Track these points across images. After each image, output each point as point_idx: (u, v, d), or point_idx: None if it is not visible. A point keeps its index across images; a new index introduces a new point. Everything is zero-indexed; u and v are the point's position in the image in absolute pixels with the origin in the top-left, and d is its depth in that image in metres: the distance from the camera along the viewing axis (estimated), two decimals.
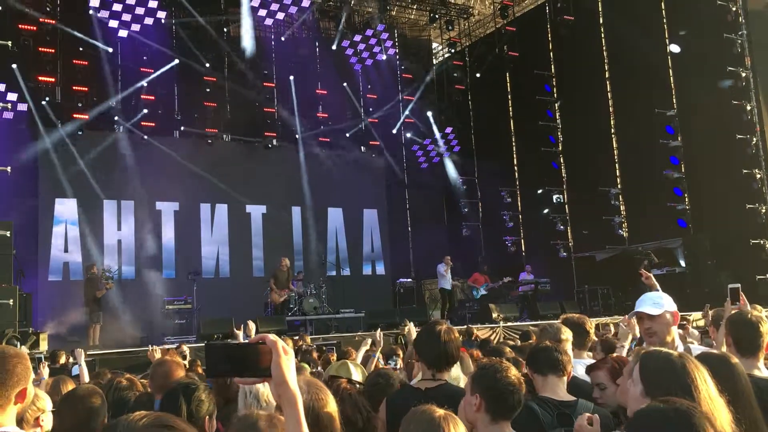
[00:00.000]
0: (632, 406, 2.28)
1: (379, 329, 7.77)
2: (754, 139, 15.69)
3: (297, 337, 11.77)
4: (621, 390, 2.63)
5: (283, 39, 20.58)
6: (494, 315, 15.76)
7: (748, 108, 15.75)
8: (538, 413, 3.04)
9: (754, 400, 2.61)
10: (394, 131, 22.83)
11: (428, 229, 22.18)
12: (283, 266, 16.71)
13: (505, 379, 2.84)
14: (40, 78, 16.51)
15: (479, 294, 17.95)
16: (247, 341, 1.72)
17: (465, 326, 12.59)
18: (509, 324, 14.81)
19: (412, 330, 5.92)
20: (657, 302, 3.61)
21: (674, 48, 16.52)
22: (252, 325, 6.69)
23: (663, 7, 17.60)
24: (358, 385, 3.19)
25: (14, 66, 16.07)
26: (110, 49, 17.65)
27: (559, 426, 2.97)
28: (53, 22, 16.78)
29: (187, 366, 7.29)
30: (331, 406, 2.42)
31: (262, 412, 2.06)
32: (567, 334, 4.20)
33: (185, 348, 9.38)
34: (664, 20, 17.55)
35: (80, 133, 17.30)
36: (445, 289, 17.49)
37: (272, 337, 1.69)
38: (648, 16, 17.62)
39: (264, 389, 3.01)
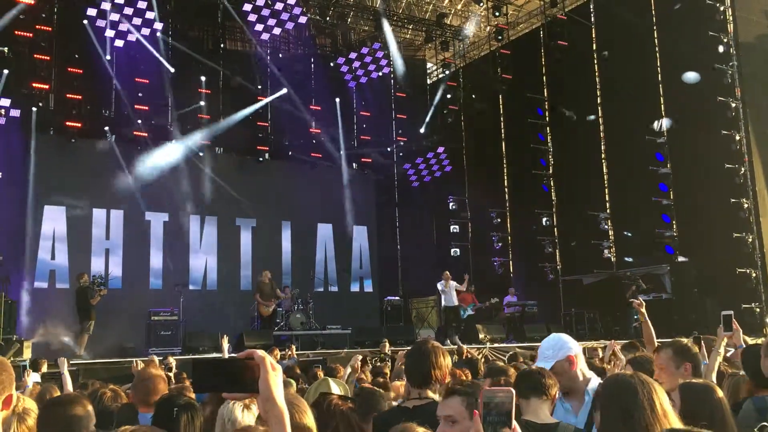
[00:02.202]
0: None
1: (359, 357, 7.83)
2: (742, 168, 15.86)
3: (285, 350, 11.77)
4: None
5: (280, 56, 20.65)
6: (481, 336, 15.76)
7: (737, 138, 15.92)
8: None
9: (733, 427, 2.65)
10: (387, 149, 22.92)
11: (417, 247, 22.21)
12: (265, 278, 16.66)
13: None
14: (34, 84, 16.47)
15: (465, 314, 17.79)
16: (235, 356, 1.73)
17: (455, 346, 12.57)
18: (496, 345, 14.81)
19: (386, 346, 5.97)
20: (546, 354, 3.52)
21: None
22: (225, 340, 6.70)
23: (656, 35, 17.82)
24: (349, 402, 3.17)
25: (5, 71, 16.03)
26: (108, 57, 17.68)
27: None
28: (49, 29, 16.79)
29: (173, 379, 7.26)
30: (308, 418, 2.40)
31: (261, 428, 2.06)
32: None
33: (171, 360, 9.33)
34: (657, 49, 17.76)
35: (73, 141, 17.26)
36: (449, 306, 16.41)
37: (260, 352, 1.70)
38: (641, 45, 17.84)
39: (240, 415, 2.98)
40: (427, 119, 22.87)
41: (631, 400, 2.22)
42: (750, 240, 15.62)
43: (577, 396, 3.50)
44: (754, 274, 15.48)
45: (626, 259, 18.08)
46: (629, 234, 17.99)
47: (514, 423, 1.62)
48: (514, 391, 1.63)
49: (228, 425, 3.01)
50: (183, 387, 4.75)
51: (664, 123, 17.19)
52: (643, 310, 5.63)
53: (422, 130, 22.73)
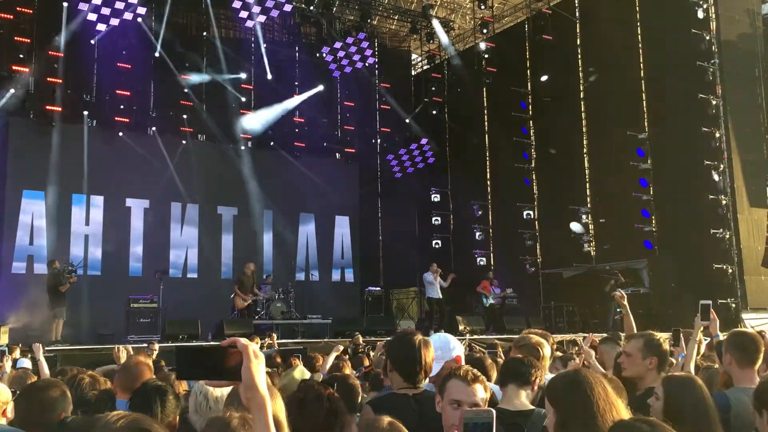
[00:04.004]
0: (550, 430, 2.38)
1: (340, 347, 7.90)
2: (721, 165, 16.04)
3: (266, 338, 11.76)
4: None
5: (265, 46, 20.57)
6: (461, 327, 15.84)
7: (717, 135, 16.09)
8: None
9: (716, 417, 2.72)
10: (371, 140, 22.91)
11: (399, 239, 22.25)
12: (248, 271, 16.60)
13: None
14: (13, 67, 16.26)
15: (488, 302, 17.62)
16: (218, 344, 1.74)
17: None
18: (476, 337, 14.90)
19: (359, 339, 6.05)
20: (436, 356, 3.43)
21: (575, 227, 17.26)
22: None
23: (639, 32, 17.94)
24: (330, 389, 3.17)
25: None
26: (93, 42, 17.49)
27: None
28: (30, 11, 16.56)
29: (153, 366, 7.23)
30: (278, 403, 2.41)
31: (235, 413, 2.07)
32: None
33: (156, 346, 9.32)
34: (640, 45, 17.89)
35: (53, 125, 17.07)
36: (433, 298, 16.63)
37: (243, 341, 1.72)
38: (624, 41, 17.95)
39: (212, 389, 3.00)
40: (412, 111, 22.88)
41: (582, 394, 2.28)
42: (727, 236, 15.82)
43: None
44: (730, 270, 15.69)
45: (604, 247, 18.21)
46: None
47: None
48: (494, 411, 1.65)
49: (200, 398, 3.04)
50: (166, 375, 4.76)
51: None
52: (625, 302, 5.73)
53: (406, 122, 22.74)
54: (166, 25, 18.51)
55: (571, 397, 2.30)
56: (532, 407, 3.27)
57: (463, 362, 3.51)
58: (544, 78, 19.84)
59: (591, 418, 2.23)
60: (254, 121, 19.82)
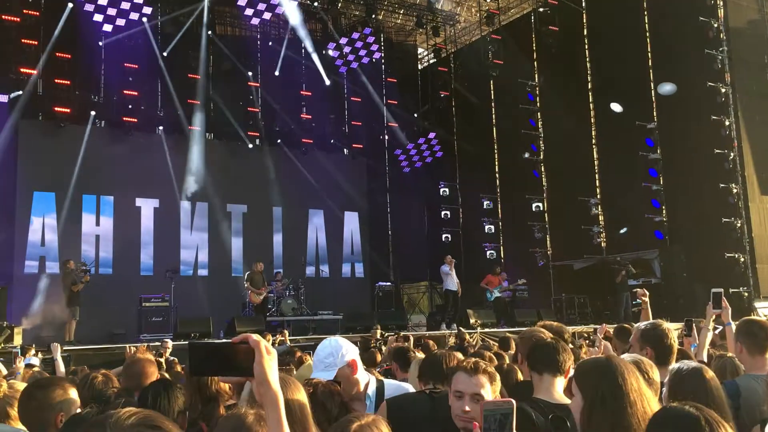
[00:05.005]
0: (576, 416, 2.36)
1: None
2: (732, 154, 15.94)
3: (277, 335, 11.80)
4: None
5: (270, 44, 20.56)
6: (472, 321, 15.83)
7: (727, 123, 15.99)
8: (531, 416, 3.00)
9: (724, 406, 2.69)
10: (378, 135, 22.89)
11: (408, 233, 22.24)
12: (257, 270, 16.63)
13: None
14: (21, 69, 16.34)
15: (493, 296, 17.57)
16: (230, 341, 1.75)
17: (456, 330, 12.63)
18: (486, 330, 14.90)
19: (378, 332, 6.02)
20: (328, 362, 3.27)
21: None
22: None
23: (646, 21, 17.83)
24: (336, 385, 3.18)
25: None
26: (101, 43, 17.55)
27: (553, 429, 2.96)
28: (37, 14, 16.63)
29: (164, 364, 7.28)
30: (301, 394, 2.40)
31: (251, 410, 2.08)
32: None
33: (169, 344, 9.36)
34: (647, 34, 17.77)
35: (62, 125, 17.15)
36: (450, 290, 16.72)
37: (255, 337, 1.72)
38: (631, 31, 17.83)
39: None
40: (419, 105, 22.84)
41: (613, 382, 2.25)
42: (738, 225, 15.73)
43: (358, 402, 3.30)
44: (742, 259, 15.61)
45: (621, 232, 18.03)
46: (623, 231, 18.03)
47: None
48: (514, 402, 1.64)
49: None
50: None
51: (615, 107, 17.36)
52: (646, 299, 5.73)
53: (414, 116, 22.70)
54: (171, 24, 18.54)
55: (601, 383, 2.26)
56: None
57: (358, 367, 3.31)
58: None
59: (620, 408, 2.20)
60: None
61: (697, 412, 1.88)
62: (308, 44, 21.08)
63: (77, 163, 17.40)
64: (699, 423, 1.83)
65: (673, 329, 3.92)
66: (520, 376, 4.35)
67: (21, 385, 3.64)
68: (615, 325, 7.42)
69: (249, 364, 1.69)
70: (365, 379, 3.39)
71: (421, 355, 5.64)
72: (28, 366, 7.27)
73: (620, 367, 2.30)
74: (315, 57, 21.13)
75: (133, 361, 4.43)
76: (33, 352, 9.88)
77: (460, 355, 3.91)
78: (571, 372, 3.35)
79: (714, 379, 2.90)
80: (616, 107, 17.29)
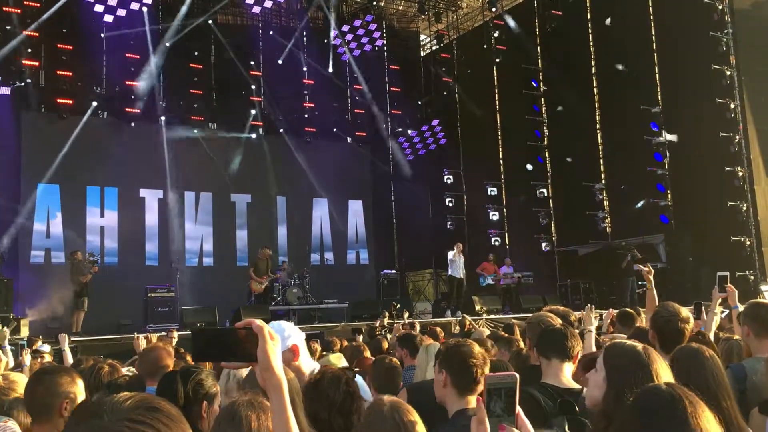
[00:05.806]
0: (592, 392, 2.34)
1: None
2: (737, 137, 15.84)
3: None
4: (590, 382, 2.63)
5: (271, 33, 20.47)
6: (477, 307, 15.84)
7: (732, 106, 15.89)
8: (539, 400, 3.01)
9: (727, 389, 2.68)
10: (382, 123, 22.82)
11: (413, 221, 22.22)
12: (263, 256, 16.65)
13: (468, 354, 2.89)
14: (23, 61, 16.31)
15: (485, 282, 17.78)
16: (233, 326, 1.73)
17: (460, 316, 12.65)
18: (492, 316, 14.89)
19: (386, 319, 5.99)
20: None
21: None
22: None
23: (650, 4, 17.67)
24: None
25: None
26: (103, 35, 17.49)
27: (561, 414, 2.90)
28: (38, 5, 16.57)
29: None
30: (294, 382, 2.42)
31: (244, 396, 2.07)
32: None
33: (175, 334, 9.39)
34: (651, 17, 17.63)
35: (64, 117, 17.14)
36: (455, 277, 17.01)
37: (258, 322, 1.71)
38: (635, 13, 17.70)
39: (241, 372, 3.03)
40: (422, 92, 22.74)
41: (645, 371, 2.23)
42: (744, 208, 15.65)
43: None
44: (748, 242, 15.56)
45: (637, 206, 17.86)
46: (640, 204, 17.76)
47: (518, 408, 1.61)
48: (517, 376, 1.62)
49: (232, 381, 3.09)
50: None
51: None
52: (651, 277, 5.72)
53: (417, 103, 22.61)
54: (172, 13, 18.47)
55: (633, 372, 2.23)
56: (579, 386, 3.17)
57: (300, 351, 3.23)
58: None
59: None
60: None
61: (671, 389, 1.84)
62: (310, 32, 20.99)
63: (80, 154, 17.38)
64: (673, 403, 1.80)
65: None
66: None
67: (17, 376, 3.65)
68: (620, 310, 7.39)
69: (252, 350, 1.68)
70: (310, 367, 3.29)
71: (429, 341, 5.60)
72: (37, 353, 7.29)
73: (652, 357, 2.28)
74: (317, 45, 21.03)
75: (150, 349, 4.46)
76: (40, 343, 9.93)
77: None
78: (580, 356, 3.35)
79: (714, 358, 2.87)
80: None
